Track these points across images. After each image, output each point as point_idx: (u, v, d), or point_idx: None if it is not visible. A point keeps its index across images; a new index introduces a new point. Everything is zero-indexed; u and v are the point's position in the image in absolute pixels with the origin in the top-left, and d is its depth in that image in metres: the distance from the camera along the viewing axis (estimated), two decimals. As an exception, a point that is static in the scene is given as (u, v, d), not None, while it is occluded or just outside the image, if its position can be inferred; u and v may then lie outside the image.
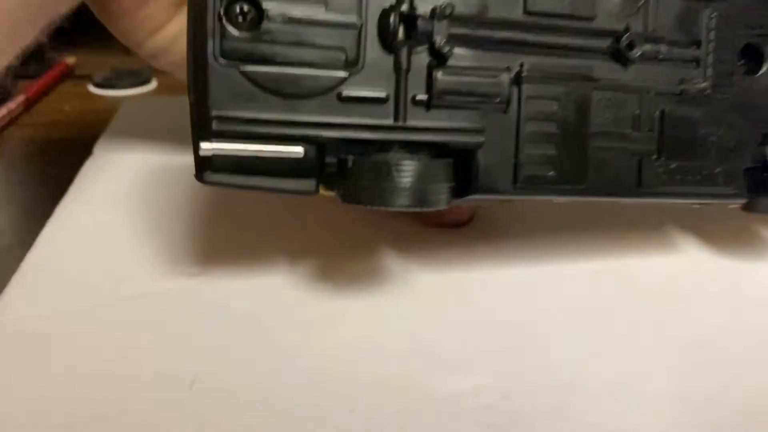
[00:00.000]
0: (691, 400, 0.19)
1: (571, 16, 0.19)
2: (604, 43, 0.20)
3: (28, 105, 0.44)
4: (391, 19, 0.17)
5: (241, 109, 0.17)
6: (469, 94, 0.18)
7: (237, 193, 0.27)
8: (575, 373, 0.20)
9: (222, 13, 0.17)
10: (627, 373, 0.20)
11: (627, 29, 0.20)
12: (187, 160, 0.31)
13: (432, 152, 0.19)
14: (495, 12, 0.19)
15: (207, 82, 0.17)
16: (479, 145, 0.19)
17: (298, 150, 0.17)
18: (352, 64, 0.18)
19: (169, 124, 0.36)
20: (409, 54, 0.18)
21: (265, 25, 0.17)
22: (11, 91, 0.43)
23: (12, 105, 0.41)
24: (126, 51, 0.28)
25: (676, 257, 0.26)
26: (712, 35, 0.21)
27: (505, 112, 0.19)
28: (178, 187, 0.29)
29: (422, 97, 0.18)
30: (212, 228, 0.27)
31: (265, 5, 0.17)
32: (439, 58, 0.18)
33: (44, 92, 0.46)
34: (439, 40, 0.18)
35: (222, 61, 0.17)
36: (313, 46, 0.17)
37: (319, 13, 0.17)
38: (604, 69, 0.20)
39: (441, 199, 0.18)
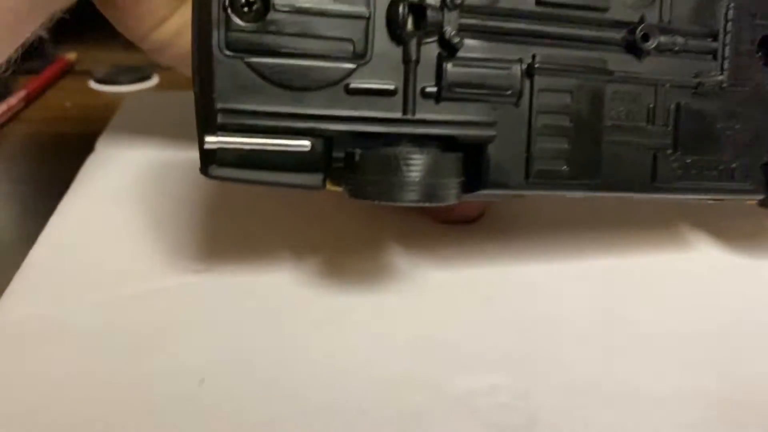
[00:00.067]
0: (709, 399, 0.19)
1: (584, 7, 0.19)
2: (619, 35, 0.19)
3: (29, 101, 0.43)
4: (400, 9, 0.17)
5: (247, 102, 0.17)
6: (480, 86, 0.18)
7: (242, 188, 0.27)
8: (591, 372, 0.20)
9: (227, 3, 0.16)
10: (643, 373, 0.20)
11: (642, 20, 0.20)
12: (191, 155, 0.30)
13: (441, 146, 0.18)
14: (506, 2, 0.18)
15: (212, 74, 0.16)
16: (490, 139, 0.18)
17: (304, 144, 0.17)
18: (360, 55, 0.17)
19: (171, 120, 0.36)
20: (419, 45, 0.17)
21: (271, 15, 0.16)
22: (11, 86, 0.42)
23: (12, 101, 0.41)
24: (127, 47, 0.28)
25: (690, 254, 0.25)
26: (729, 27, 0.21)
27: (517, 105, 0.18)
28: (181, 183, 0.28)
29: (432, 89, 0.18)
30: (217, 224, 0.27)
31: None
32: (449, 50, 0.18)
33: (45, 88, 0.46)
34: (449, 30, 0.17)
35: (227, 52, 0.16)
36: (321, 37, 0.17)
37: (326, 3, 0.17)
38: (619, 61, 0.20)
39: (451, 194, 0.18)
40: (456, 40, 0.17)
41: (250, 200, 0.27)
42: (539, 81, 0.18)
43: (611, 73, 0.19)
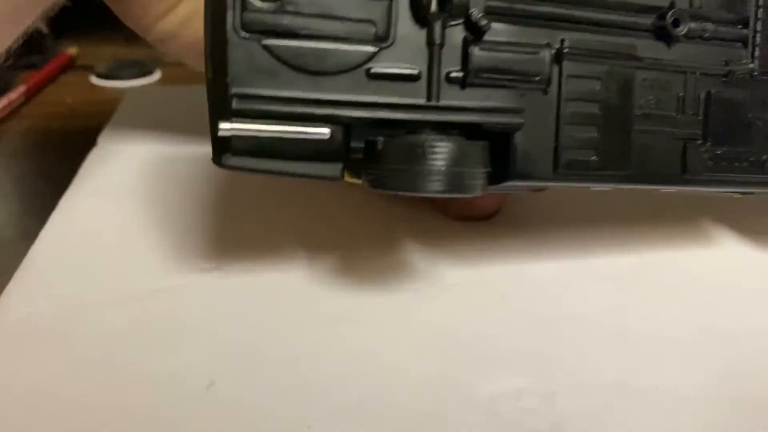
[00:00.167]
0: (740, 401, 0.18)
1: None
2: (648, 20, 0.19)
3: (29, 96, 0.42)
4: None
5: (263, 87, 0.16)
6: (508, 71, 0.17)
7: (250, 183, 0.26)
8: (618, 373, 0.19)
9: None
10: (671, 373, 0.19)
11: (672, 5, 0.19)
12: (196, 150, 0.30)
13: (465, 135, 0.17)
14: None
15: (226, 57, 0.15)
16: (518, 127, 0.17)
17: (323, 131, 0.16)
18: (383, 38, 0.16)
19: (175, 115, 0.35)
20: (443, 28, 0.17)
21: None
22: (11, 81, 0.42)
23: (13, 96, 0.40)
24: (129, 41, 0.27)
25: (714, 251, 0.25)
26: (760, 13, 0.20)
27: (545, 91, 0.18)
28: (187, 178, 0.28)
29: (457, 74, 0.17)
30: (225, 220, 0.26)
31: None
32: (475, 33, 0.17)
33: (45, 83, 0.45)
34: (475, 13, 0.16)
35: (243, 34, 0.15)
36: (341, 18, 0.16)
37: None
38: (648, 47, 0.19)
39: (477, 184, 0.17)
40: (483, 22, 0.16)
41: (259, 195, 0.27)
42: (568, 67, 0.18)
43: (641, 59, 0.19)
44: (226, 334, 0.20)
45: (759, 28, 0.20)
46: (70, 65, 0.49)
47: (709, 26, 0.19)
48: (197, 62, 0.26)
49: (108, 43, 0.46)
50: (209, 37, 0.16)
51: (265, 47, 0.16)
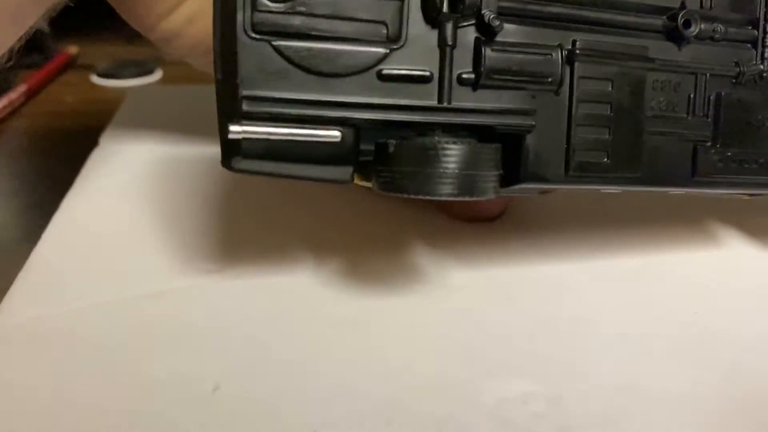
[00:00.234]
0: (747, 403, 0.18)
1: None
2: (659, 21, 0.19)
3: (30, 95, 0.42)
4: None
5: (274, 89, 0.15)
6: (520, 73, 0.17)
7: (255, 183, 0.26)
8: (625, 376, 0.19)
9: None
10: (678, 376, 0.19)
11: (683, 6, 0.19)
12: (199, 150, 0.30)
13: (477, 136, 0.17)
14: None
15: (236, 58, 0.15)
16: (529, 129, 0.17)
17: (334, 134, 0.16)
18: (394, 39, 0.16)
19: (177, 114, 0.35)
20: (455, 29, 0.16)
21: None
22: (12, 81, 0.41)
23: (13, 95, 0.40)
24: (129, 40, 0.27)
25: (721, 252, 0.25)
26: None
27: (557, 93, 0.17)
28: (191, 179, 0.27)
29: (469, 75, 0.17)
30: (230, 222, 0.25)
31: None
32: (487, 34, 0.17)
33: (46, 83, 0.45)
34: (488, 13, 0.16)
35: (253, 35, 0.15)
36: (352, 19, 0.16)
37: None
38: (659, 48, 0.19)
39: (489, 187, 0.17)
40: (496, 23, 0.16)
41: (264, 196, 0.26)
42: (580, 68, 0.18)
43: (652, 60, 0.19)
44: (231, 337, 0.20)
45: (767, 29, 0.20)
46: (70, 64, 0.49)
47: (720, 27, 0.19)
48: (202, 61, 0.26)
49: (109, 42, 0.46)
50: (218, 38, 0.16)
51: (276, 48, 0.15)
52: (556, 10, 0.17)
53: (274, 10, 0.15)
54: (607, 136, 0.18)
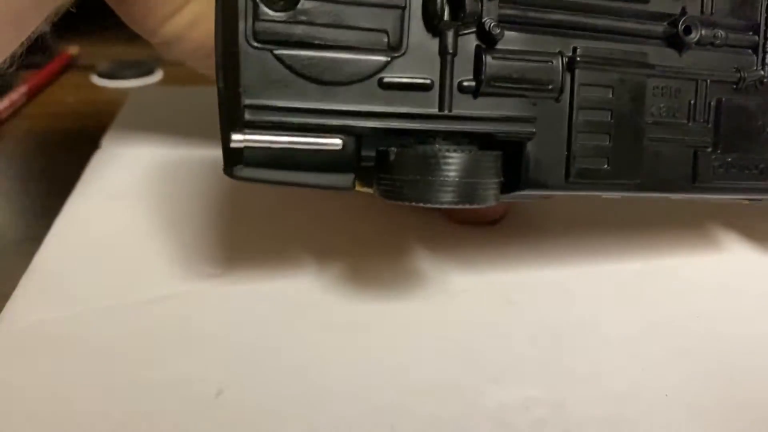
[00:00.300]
0: (751, 409, 0.18)
1: None
2: (660, 27, 0.19)
3: (30, 96, 0.42)
4: None
5: (276, 97, 0.16)
6: (521, 80, 0.17)
7: (258, 187, 0.26)
8: (628, 381, 0.19)
9: None
10: (681, 381, 0.19)
11: (683, 12, 0.19)
12: (202, 152, 0.30)
13: (477, 144, 0.17)
14: None
15: (238, 67, 0.15)
16: (530, 136, 0.17)
17: (336, 142, 0.16)
18: (395, 47, 0.16)
19: (179, 116, 0.35)
20: (456, 37, 0.16)
21: (303, 4, 0.15)
22: (13, 81, 0.41)
23: (14, 96, 0.40)
24: (130, 40, 0.27)
25: (722, 256, 0.25)
26: None
27: (558, 100, 0.18)
28: (193, 182, 0.27)
29: (470, 83, 0.17)
30: (232, 225, 0.26)
31: None
32: (488, 42, 0.17)
33: (47, 83, 0.45)
34: (488, 21, 0.16)
35: (255, 44, 0.15)
36: (354, 27, 0.16)
37: None
38: (659, 55, 0.19)
39: (490, 194, 0.17)
40: (496, 31, 0.16)
41: (266, 200, 0.26)
42: (580, 75, 0.18)
43: (652, 67, 0.19)
44: (234, 341, 0.20)
45: None
46: (71, 65, 0.49)
47: (720, 33, 0.19)
48: (203, 64, 0.26)
49: (109, 42, 0.46)
50: (221, 47, 0.16)
51: (278, 57, 0.15)
52: (556, 17, 0.17)
53: (275, 19, 0.15)
54: (607, 143, 0.18)
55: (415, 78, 0.16)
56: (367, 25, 0.16)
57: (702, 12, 0.19)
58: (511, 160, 0.18)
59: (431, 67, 0.16)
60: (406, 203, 0.16)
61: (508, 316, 0.21)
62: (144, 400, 0.18)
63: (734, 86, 0.20)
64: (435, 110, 0.17)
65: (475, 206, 0.16)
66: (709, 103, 0.19)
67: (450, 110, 0.17)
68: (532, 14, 0.17)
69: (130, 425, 0.17)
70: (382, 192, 0.17)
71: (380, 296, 0.22)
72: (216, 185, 0.27)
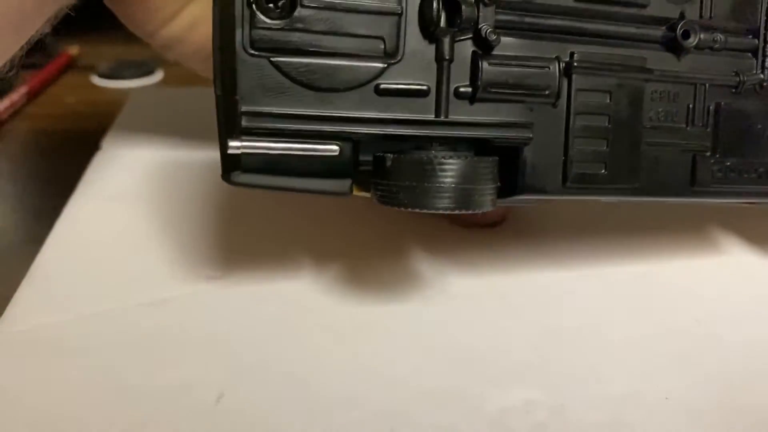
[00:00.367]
0: (750, 412, 0.18)
1: (623, 2, 0.18)
2: (658, 32, 0.19)
3: (31, 96, 0.42)
4: (434, 5, 0.16)
5: (272, 104, 0.16)
6: (517, 86, 0.17)
7: (257, 191, 0.26)
8: (627, 385, 0.19)
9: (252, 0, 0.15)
10: (681, 385, 0.19)
11: (682, 16, 0.19)
12: (203, 154, 0.30)
13: (473, 150, 0.17)
14: None
15: (235, 74, 0.15)
16: (527, 142, 0.17)
17: (332, 148, 0.16)
18: (391, 54, 0.16)
19: (180, 117, 0.35)
20: (452, 43, 0.16)
21: (299, 12, 0.15)
22: (13, 82, 0.41)
23: (15, 96, 0.40)
24: (130, 41, 0.27)
25: (721, 260, 0.25)
26: None
27: (555, 105, 0.17)
28: (194, 184, 0.27)
29: (466, 89, 0.17)
30: (233, 227, 0.26)
31: None
32: (484, 48, 0.17)
33: (47, 83, 0.45)
34: (485, 27, 0.16)
35: (252, 51, 0.15)
36: (350, 34, 0.16)
37: None
38: (658, 59, 0.19)
39: (486, 200, 0.17)
40: (493, 37, 0.16)
41: (266, 203, 0.27)
42: (578, 80, 0.18)
43: (650, 71, 0.19)
44: (233, 344, 0.20)
45: None
46: (71, 65, 0.49)
47: (720, 37, 0.19)
48: (202, 67, 0.26)
49: (109, 42, 0.46)
50: (218, 54, 0.16)
51: (275, 65, 0.15)
52: (553, 22, 0.17)
53: (272, 27, 0.15)
54: (605, 148, 0.18)
55: (412, 84, 0.16)
56: (364, 32, 0.16)
57: (701, 16, 0.19)
58: (508, 165, 0.18)
59: (428, 73, 0.16)
60: (403, 209, 0.16)
61: (507, 320, 0.21)
62: (144, 405, 0.18)
63: (733, 90, 0.20)
64: (431, 116, 0.17)
65: (471, 212, 0.17)
66: (708, 107, 0.19)
67: (446, 116, 0.17)
68: (528, 20, 0.17)
69: (130, 429, 0.17)
70: (378, 197, 0.17)
71: (379, 299, 0.22)
72: (216, 187, 0.27)
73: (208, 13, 0.16)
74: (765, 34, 0.20)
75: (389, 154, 0.16)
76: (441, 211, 0.16)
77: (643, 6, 0.18)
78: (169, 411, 0.18)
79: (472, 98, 0.17)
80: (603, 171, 0.18)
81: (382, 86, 0.16)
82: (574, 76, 0.18)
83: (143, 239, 0.25)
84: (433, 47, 0.16)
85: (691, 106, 0.19)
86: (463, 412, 0.18)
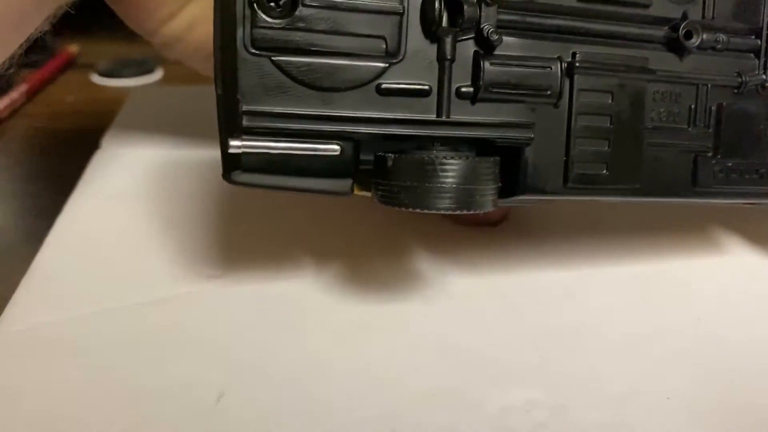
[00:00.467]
0: (752, 413, 0.18)
1: (626, 3, 0.18)
2: (660, 32, 0.19)
3: (30, 95, 0.42)
4: (436, 4, 0.16)
5: (274, 104, 0.16)
6: (519, 86, 0.17)
7: (257, 190, 0.26)
8: (628, 385, 0.19)
9: None
10: (682, 385, 0.19)
11: (684, 17, 0.19)
12: (203, 153, 0.30)
13: (475, 150, 0.17)
14: None
15: (236, 73, 0.15)
16: (528, 142, 0.17)
17: (334, 148, 0.16)
18: (393, 53, 0.16)
19: (180, 116, 0.35)
20: (454, 43, 0.16)
21: (300, 11, 0.15)
22: (12, 80, 0.41)
23: (14, 95, 0.40)
24: (130, 39, 0.27)
25: (723, 259, 0.25)
26: None
27: (556, 105, 0.17)
28: (194, 182, 0.27)
29: (468, 89, 0.17)
30: (233, 226, 0.26)
31: None
32: (486, 47, 0.17)
33: (47, 82, 0.45)
34: (487, 27, 0.16)
35: (253, 50, 0.15)
36: (352, 34, 0.16)
37: None
38: (660, 60, 0.19)
39: (487, 200, 0.17)
40: (495, 37, 0.16)
41: (266, 202, 0.26)
42: (579, 80, 0.18)
43: (653, 72, 0.18)
44: (234, 343, 0.20)
45: None
46: (71, 63, 0.49)
47: (722, 37, 0.19)
48: (203, 65, 0.26)
49: (109, 41, 0.45)
50: (219, 53, 0.16)
51: (276, 64, 0.15)
52: (556, 22, 0.17)
53: (273, 26, 0.15)
54: (606, 148, 0.18)
55: (413, 84, 0.16)
56: (365, 32, 0.16)
57: (703, 16, 0.19)
58: (509, 166, 0.18)
59: (429, 73, 0.16)
60: (404, 209, 0.16)
61: (508, 319, 0.21)
62: (144, 404, 0.18)
63: (735, 91, 0.20)
64: (433, 116, 0.17)
65: (472, 212, 0.16)
66: (710, 108, 0.19)
67: (448, 116, 0.17)
68: (530, 20, 0.17)
69: (130, 429, 0.17)
70: (379, 197, 0.17)
71: (380, 298, 0.22)
72: (216, 186, 0.27)
73: (208, 11, 0.16)
74: (767, 35, 0.20)
75: (390, 154, 0.16)
76: (442, 212, 0.16)
77: (646, 6, 0.18)
78: (169, 411, 0.18)
79: (473, 98, 0.17)
80: (604, 171, 0.18)
81: (384, 86, 0.16)
82: (576, 77, 0.18)
83: (143, 238, 0.25)
84: (434, 47, 0.16)
85: (693, 106, 0.19)
86: (463, 412, 0.18)
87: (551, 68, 0.17)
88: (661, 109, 0.19)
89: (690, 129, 0.19)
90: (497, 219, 0.26)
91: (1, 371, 0.19)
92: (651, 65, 0.18)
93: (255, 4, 0.15)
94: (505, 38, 0.17)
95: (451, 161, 0.16)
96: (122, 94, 0.41)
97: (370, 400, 0.18)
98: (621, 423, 0.18)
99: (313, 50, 0.16)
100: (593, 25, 0.18)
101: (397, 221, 0.26)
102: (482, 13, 0.16)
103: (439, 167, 0.16)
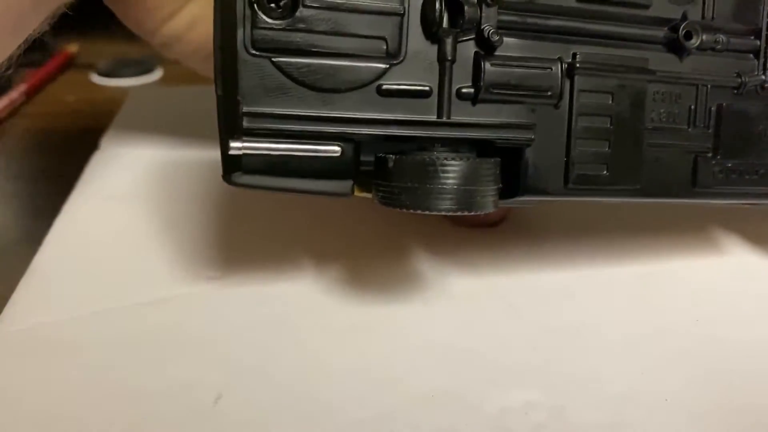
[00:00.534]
0: (751, 414, 0.18)
1: (625, 3, 0.18)
2: (660, 33, 0.19)
3: (30, 94, 0.42)
4: (436, 5, 0.16)
5: (274, 105, 0.16)
6: (520, 87, 0.17)
7: (259, 190, 0.26)
8: (627, 386, 0.19)
9: None
10: (681, 386, 0.19)
11: (684, 17, 0.19)
12: (202, 153, 0.30)
13: (475, 151, 0.17)
14: None
15: (237, 75, 0.15)
16: (529, 143, 0.17)
17: (334, 149, 0.16)
18: (394, 54, 0.16)
19: (179, 116, 0.35)
20: (455, 43, 0.16)
21: (301, 12, 0.15)
22: (12, 80, 0.41)
23: (14, 95, 0.40)
24: (129, 38, 0.27)
25: (723, 260, 0.25)
26: None
27: (557, 106, 0.17)
28: (193, 183, 0.27)
29: (468, 90, 0.17)
30: (232, 227, 0.26)
31: None
32: (487, 48, 0.17)
33: (46, 82, 0.45)
34: (487, 28, 0.16)
35: (253, 51, 0.15)
36: (352, 35, 0.16)
37: None
38: (660, 60, 0.19)
39: (488, 201, 0.17)
40: (495, 38, 0.16)
41: (266, 203, 0.26)
42: (580, 81, 0.18)
43: (653, 72, 0.19)
44: (233, 345, 0.20)
45: None
46: (70, 63, 0.48)
47: (722, 38, 0.19)
48: (202, 66, 0.26)
49: (109, 40, 0.45)
50: (219, 54, 0.16)
51: (276, 65, 0.15)
52: (556, 23, 0.17)
53: (274, 26, 0.15)
54: (606, 149, 0.18)
55: (414, 85, 0.16)
56: (366, 33, 0.16)
57: (703, 17, 0.19)
58: (510, 166, 0.18)
59: (430, 74, 0.16)
60: (405, 210, 0.16)
61: (508, 320, 0.21)
62: (143, 405, 0.18)
63: (735, 91, 0.20)
64: (434, 117, 0.17)
65: (473, 213, 0.16)
66: (710, 109, 0.19)
67: (449, 117, 0.17)
68: (531, 20, 0.17)
69: (129, 429, 0.17)
70: (380, 198, 0.17)
71: (380, 299, 0.22)
72: (216, 187, 0.27)
73: (207, 12, 0.16)
74: (767, 36, 0.20)
75: (391, 155, 0.16)
76: (443, 213, 0.16)
77: (646, 7, 0.18)
78: (169, 411, 0.18)
79: (474, 99, 0.17)
80: (605, 172, 0.18)
81: (384, 87, 0.16)
82: (576, 77, 0.18)
83: (143, 239, 0.25)
84: (435, 48, 0.16)
85: (692, 107, 0.19)
86: (463, 413, 0.18)
87: (552, 69, 0.17)
88: (661, 110, 0.19)
89: (690, 129, 0.19)
90: (497, 220, 0.26)
91: (1, 371, 0.19)
92: (651, 66, 0.18)
93: (255, 5, 0.15)
94: (506, 39, 0.17)
95: (452, 162, 0.16)
96: (122, 94, 0.41)
97: (369, 401, 0.18)
98: (621, 423, 0.18)
99: (313, 51, 0.16)
100: (593, 26, 0.18)
101: (398, 222, 0.26)
102: (483, 14, 0.16)
103: (439, 168, 0.16)
